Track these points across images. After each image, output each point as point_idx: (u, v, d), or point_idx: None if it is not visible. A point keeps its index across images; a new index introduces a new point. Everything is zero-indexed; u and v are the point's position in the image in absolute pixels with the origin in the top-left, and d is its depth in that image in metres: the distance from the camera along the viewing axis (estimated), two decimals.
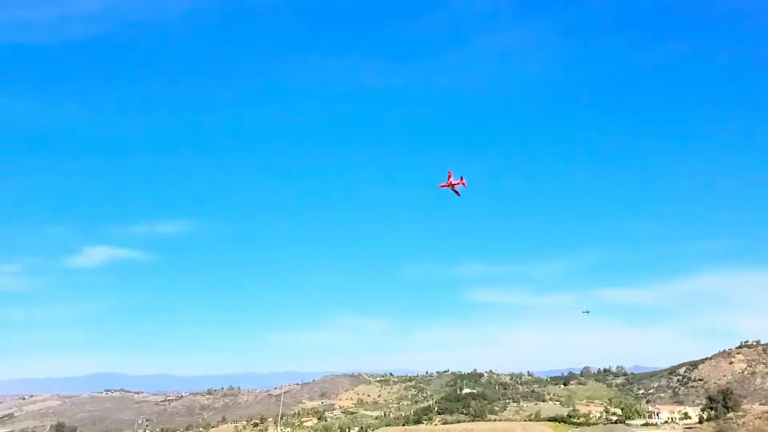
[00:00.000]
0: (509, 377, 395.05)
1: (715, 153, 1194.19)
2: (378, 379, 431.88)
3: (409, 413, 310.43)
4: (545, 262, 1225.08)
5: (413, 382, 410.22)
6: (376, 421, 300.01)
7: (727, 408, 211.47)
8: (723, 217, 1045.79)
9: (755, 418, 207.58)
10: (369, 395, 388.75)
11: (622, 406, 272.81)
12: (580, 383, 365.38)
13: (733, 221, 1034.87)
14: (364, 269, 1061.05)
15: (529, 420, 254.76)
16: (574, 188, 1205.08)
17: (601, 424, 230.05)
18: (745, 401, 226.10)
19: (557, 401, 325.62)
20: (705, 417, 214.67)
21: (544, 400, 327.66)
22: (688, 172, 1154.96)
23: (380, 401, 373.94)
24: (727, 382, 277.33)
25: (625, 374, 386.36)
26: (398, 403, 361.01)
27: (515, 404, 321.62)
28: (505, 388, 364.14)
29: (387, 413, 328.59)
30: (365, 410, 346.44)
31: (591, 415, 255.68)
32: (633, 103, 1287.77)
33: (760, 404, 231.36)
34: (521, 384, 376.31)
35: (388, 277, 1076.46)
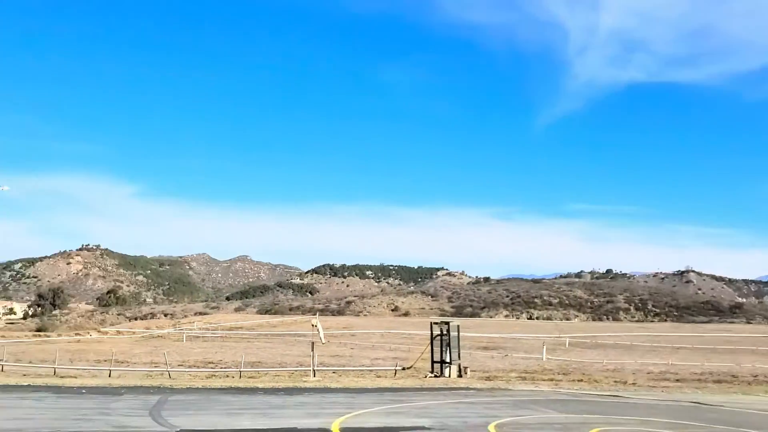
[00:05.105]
0: None
1: None
2: None
3: None
4: None
5: None
6: None
7: (54, 305, 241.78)
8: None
9: (78, 316, 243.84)
10: None
11: None
12: None
13: None
14: None
15: None
16: None
17: None
18: (74, 300, 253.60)
19: None
20: (31, 313, 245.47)
21: None
22: None
23: None
24: (61, 282, 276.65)
25: None
26: None
27: None
28: None
29: None
30: None
31: None
32: None
33: (87, 303, 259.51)
34: None
35: None
